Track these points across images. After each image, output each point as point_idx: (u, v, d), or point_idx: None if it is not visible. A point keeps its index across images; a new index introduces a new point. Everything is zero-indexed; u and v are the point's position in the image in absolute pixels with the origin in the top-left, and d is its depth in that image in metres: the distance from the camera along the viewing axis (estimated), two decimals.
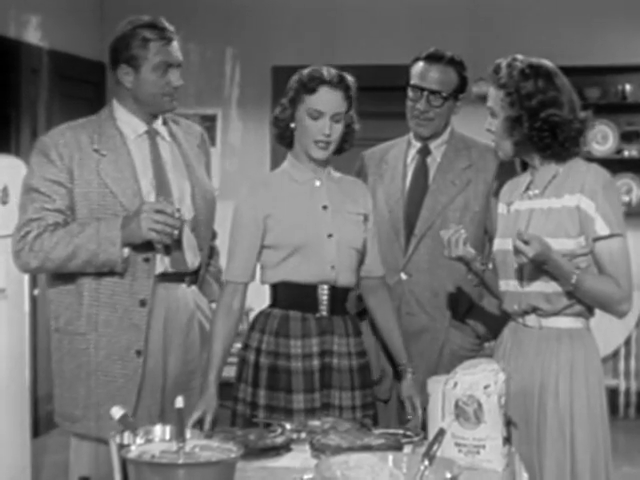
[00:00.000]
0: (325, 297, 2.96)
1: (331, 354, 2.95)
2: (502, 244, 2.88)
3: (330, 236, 2.95)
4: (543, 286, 2.77)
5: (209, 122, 6.65)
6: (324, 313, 2.96)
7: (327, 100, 2.91)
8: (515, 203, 2.89)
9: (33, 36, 6.03)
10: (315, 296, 2.96)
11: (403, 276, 3.33)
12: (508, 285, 2.86)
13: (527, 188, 2.88)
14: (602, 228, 2.73)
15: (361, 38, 6.72)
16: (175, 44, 3.00)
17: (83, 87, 6.63)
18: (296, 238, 2.93)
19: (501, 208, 2.97)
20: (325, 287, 2.96)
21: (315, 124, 2.91)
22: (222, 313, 2.96)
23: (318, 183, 3.00)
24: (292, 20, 6.84)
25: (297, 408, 2.89)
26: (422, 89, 3.30)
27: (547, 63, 2.86)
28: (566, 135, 2.78)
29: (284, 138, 3.03)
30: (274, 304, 3.00)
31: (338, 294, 2.98)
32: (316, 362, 2.93)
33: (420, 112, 3.31)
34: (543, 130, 2.77)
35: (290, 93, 2.96)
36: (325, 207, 2.98)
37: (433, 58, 3.32)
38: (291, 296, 2.97)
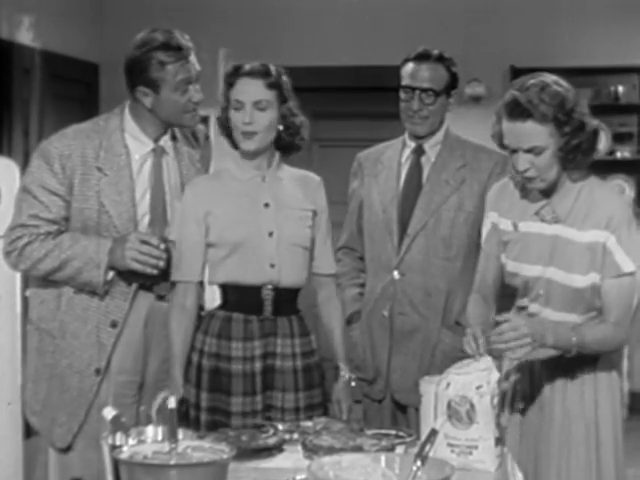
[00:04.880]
0: (269, 298, 2.93)
1: (274, 356, 2.93)
2: (518, 268, 2.76)
3: (271, 234, 2.92)
4: (573, 317, 2.71)
5: (202, 123, 6.64)
6: (268, 315, 2.93)
7: (245, 89, 2.91)
8: (527, 224, 2.74)
9: (25, 36, 6.02)
10: (259, 297, 2.93)
11: (396, 275, 3.33)
12: (530, 307, 2.76)
13: (540, 208, 2.72)
14: (628, 265, 2.63)
15: (355, 39, 6.71)
16: (192, 58, 2.95)
17: (76, 88, 6.62)
18: (234, 236, 2.92)
19: (504, 224, 2.80)
20: (269, 288, 2.93)
21: (237, 115, 2.91)
22: (176, 312, 2.94)
23: (261, 180, 2.97)
24: (286, 21, 6.83)
25: (235, 411, 2.87)
26: (414, 88, 3.31)
27: (549, 75, 2.66)
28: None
29: (231, 137, 3.01)
30: (221, 305, 2.98)
31: (283, 295, 2.95)
32: (258, 364, 2.90)
33: (414, 112, 3.32)
34: (582, 148, 2.63)
35: (223, 93, 2.97)
36: (267, 205, 2.95)
37: (422, 57, 3.35)
38: (235, 297, 2.95)
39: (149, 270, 2.86)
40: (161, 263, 2.86)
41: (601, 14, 6.58)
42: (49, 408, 3.00)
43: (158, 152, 3.02)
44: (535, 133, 2.56)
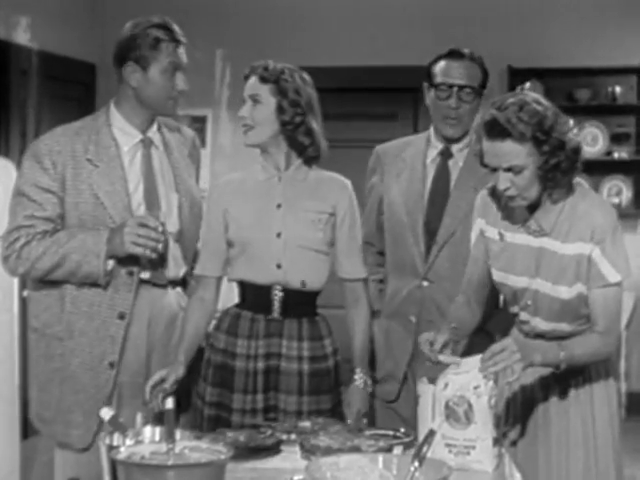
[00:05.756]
0: (277, 299, 2.93)
1: (279, 357, 2.91)
2: (505, 279, 2.76)
3: (278, 235, 2.92)
4: (563, 326, 2.72)
5: (199, 123, 6.65)
6: (276, 315, 2.93)
7: (246, 86, 2.98)
8: (514, 235, 2.73)
9: (22, 37, 6.02)
10: (268, 297, 2.93)
11: (424, 283, 3.25)
12: (520, 314, 2.78)
13: (525, 220, 2.71)
14: (614, 276, 2.63)
15: (354, 40, 6.71)
16: (183, 48, 2.98)
17: (73, 88, 6.62)
18: (243, 236, 2.94)
19: (490, 232, 2.79)
20: (278, 288, 2.93)
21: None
22: (194, 302, 3.01)
23: (277, 181, 2.97)
24: (283, 21, 6.83)
25: (236, 407, 2.89)
26: (451, 85, 3.22)
27: (530, 94, 2.66)
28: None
29: None
30: (237, 303, 3.01)
31: (292, 296, 2.93)
32: (261, 364, 2.91)
33: (451, 109, 3.22)
34: (561, 167, 2.60)
35: None
36: (279, 206, 2.95)
37: (456, 55, 3.25)
38: (247, 296, 2.98)
39: (148, 253, 2.85)
40: (160, 246, 2.86)
41: (599, 15, 6.59)
42: (62, 412, 2.97)
43: (147, 143, 3.03)
44: (514, 152, 2.54)
